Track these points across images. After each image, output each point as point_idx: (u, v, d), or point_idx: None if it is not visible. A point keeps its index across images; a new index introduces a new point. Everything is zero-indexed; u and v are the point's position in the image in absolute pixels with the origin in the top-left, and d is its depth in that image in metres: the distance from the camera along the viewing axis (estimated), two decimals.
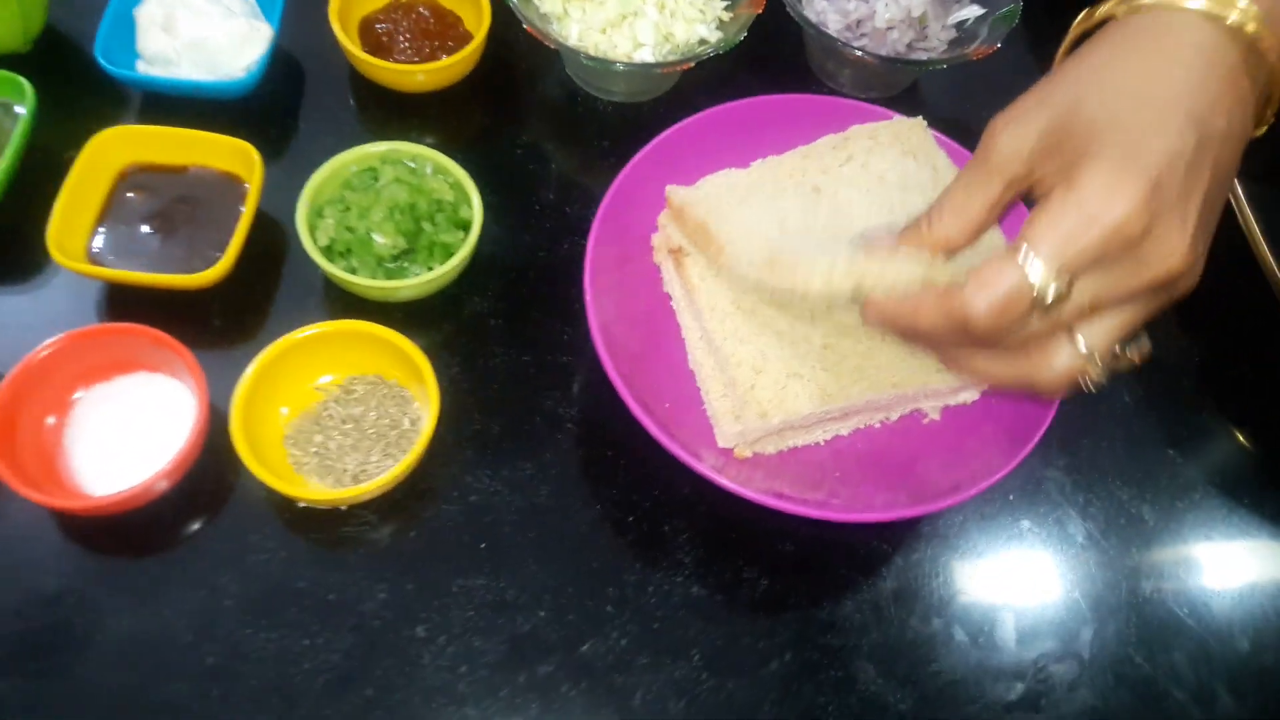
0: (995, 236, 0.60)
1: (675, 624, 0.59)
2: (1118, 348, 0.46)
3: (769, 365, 0.60)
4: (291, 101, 0.76)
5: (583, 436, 0.65)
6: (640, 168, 0.65)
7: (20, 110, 0.67)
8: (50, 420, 0.59)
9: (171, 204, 0.66)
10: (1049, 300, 0.43)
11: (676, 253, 0.65)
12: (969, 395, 0.64)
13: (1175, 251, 0.43)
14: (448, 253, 0.65)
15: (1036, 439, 0.58)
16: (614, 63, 0.71)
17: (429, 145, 0.67)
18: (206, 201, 0.67)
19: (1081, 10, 0.50)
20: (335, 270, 0.63)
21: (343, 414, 0.61)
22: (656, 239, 0.67)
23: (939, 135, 0.68)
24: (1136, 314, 0.46)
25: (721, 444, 0.61)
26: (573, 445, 0.64)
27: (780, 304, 0.61)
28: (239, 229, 0.64)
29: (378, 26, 0.75)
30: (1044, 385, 0.47)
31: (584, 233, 0.62)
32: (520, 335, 0.68)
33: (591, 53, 0.71)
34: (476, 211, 0.65)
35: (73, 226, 0.64)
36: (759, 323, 0.61)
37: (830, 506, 0.57)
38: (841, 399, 0.59)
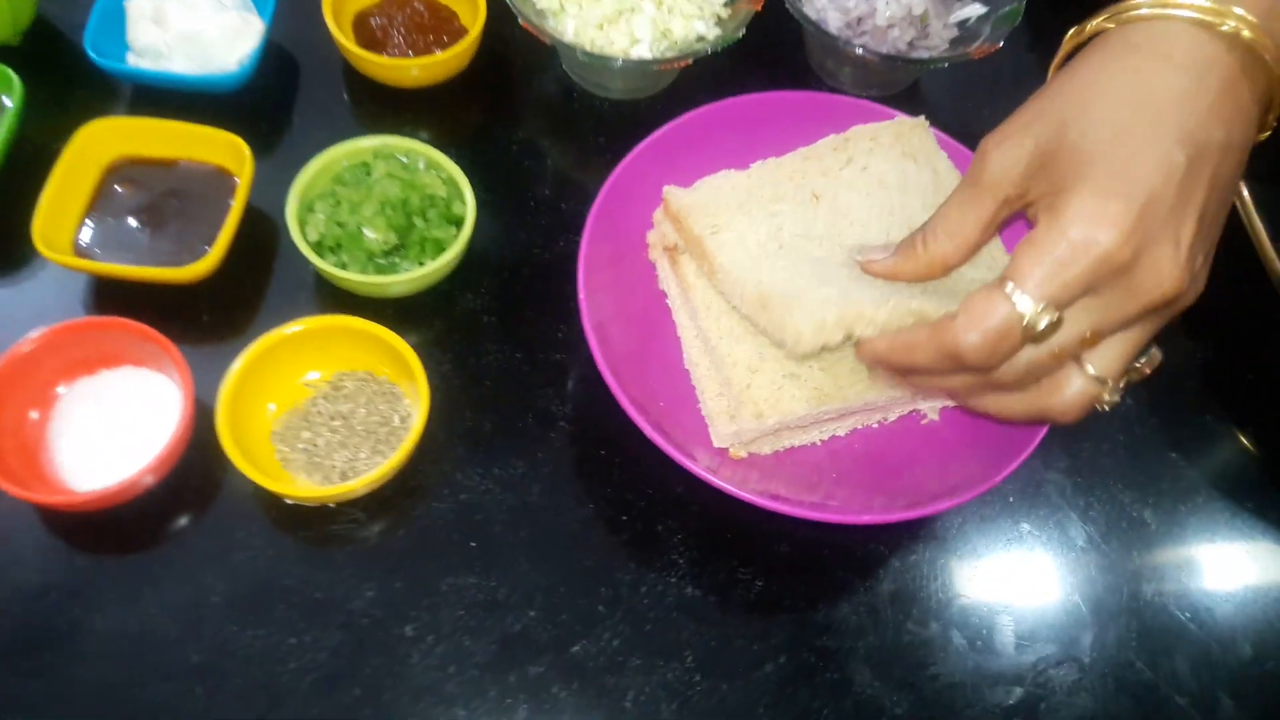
0: (995, 247, 0.59)
1: (668, 625, 0.58)
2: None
3: (765, 365, 0.59)
4: (284, 96, 0.75)
5: (576, 435, 0.64)
6: (636, 164, 0.64)
7: (8, 102, 0.66)
8: (34, 414, 0.58)
9: (160, 197, 0.65)
10: (1040, 329, 0.42)
11: (672, 250, 0.64)
12: None
13: (1168, 275, 0.42)
14: (440, 249, 0.64)
15: (1037, 441, 0.57)
16: (611, 59, 0.71)
17: (423, 141, 0.67)
18: (196, 195, 0.66)
19: (1083, 10, 0.49)
20: (325, 265, 0.62)
21: (331, 410, 0.60)
22: (652, 236, 0.66)
23: (941, 135, 0.67)
24: (1142, 334, 0.45)
25: (717, 444, 0.60)
26: (566, 443, 0.63)
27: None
28: (228, 223, 0.63)
29: (372, 21, 0.74)
30: (1059, 415, 0.47)
31: (579, 230, 0.61)
32: (513, 332, 0.67)
33: (588, 49, 0.71)
34: (470, 207, 0.65)
35: (59, 219, 0.63)
36: None
37: (827, 508, 0.56)
38: (838, 400, 0.59)
